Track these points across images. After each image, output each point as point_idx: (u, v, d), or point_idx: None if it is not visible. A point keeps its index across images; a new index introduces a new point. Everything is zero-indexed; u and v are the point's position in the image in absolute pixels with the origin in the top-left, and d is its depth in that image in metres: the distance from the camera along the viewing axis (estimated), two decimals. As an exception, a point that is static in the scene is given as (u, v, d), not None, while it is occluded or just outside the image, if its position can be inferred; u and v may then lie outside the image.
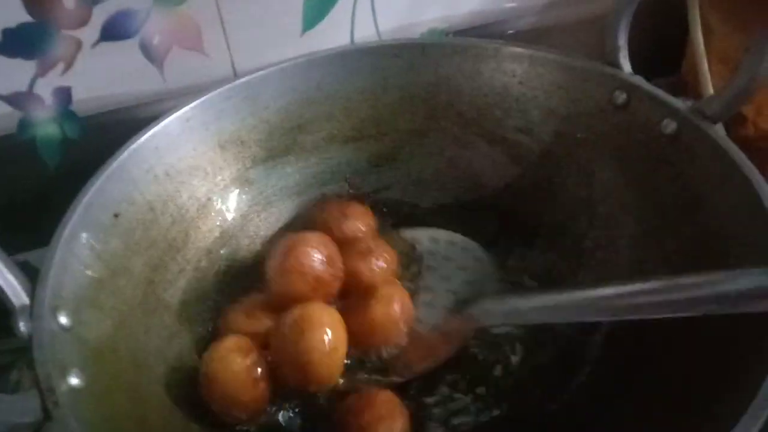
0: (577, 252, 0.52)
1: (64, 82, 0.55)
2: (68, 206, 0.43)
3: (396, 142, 0.61)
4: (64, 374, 0.34)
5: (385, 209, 0.61)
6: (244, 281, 0.55)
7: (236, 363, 0.42)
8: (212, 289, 0.53)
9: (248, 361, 0.43)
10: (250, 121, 0.57)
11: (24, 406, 0.31)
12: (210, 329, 0.51)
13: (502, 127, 0.56)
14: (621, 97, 0.49)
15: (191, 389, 0.45)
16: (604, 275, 0.49)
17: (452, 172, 0.59)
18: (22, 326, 0.36)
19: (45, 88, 0.54)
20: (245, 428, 0.44)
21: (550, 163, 0.54)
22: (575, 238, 0.52)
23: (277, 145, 0.59)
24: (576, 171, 0.52)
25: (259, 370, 0.43)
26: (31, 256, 0.48)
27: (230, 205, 0.57)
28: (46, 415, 0.32)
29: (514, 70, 0.55)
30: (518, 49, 0.54)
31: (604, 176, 0.51)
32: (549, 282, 0.52)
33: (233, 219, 0.57)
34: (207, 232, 0.55)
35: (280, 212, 0.59)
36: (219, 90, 0.54)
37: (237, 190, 0.57)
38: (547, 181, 0.54)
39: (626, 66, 0.50)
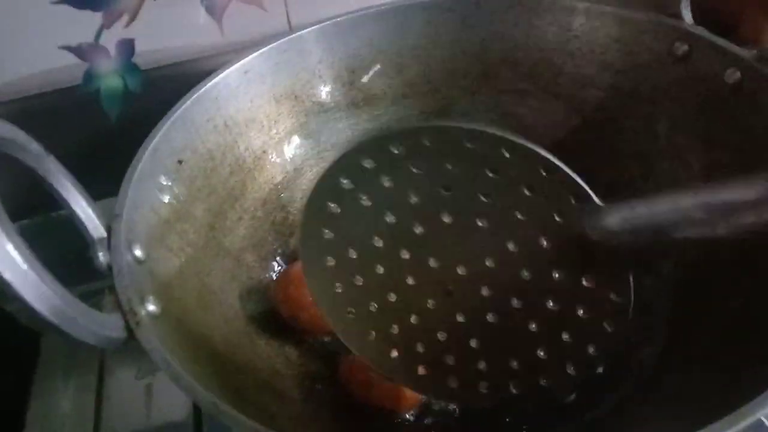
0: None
1: (127, 34, 0.56)
2: (126, 158, 0.45)
3: (448, 99, 0.61)
4: (142, 300, 0.36)
5: (434, 165, 0.62)
6: (297, 234, 0.57)
7: None
8: (268, 238, 0.55)
9: None
10: (303, 75, 0.58)
11: (111, 323, 0.33)
12: (267, 275, 0.53)
13: (557, 83, 0.56)
14: (682, 48, 0.48)
15: (251, 327, 0.48)
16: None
17: (504, 127, 0.59)
18: (101, 256, 0.38)
19: (110, 40, 0.56)
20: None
21: (607, 118, 0.53)
22: (633, 195, 0.52)
23: (329, 100, 0.60)
24: (633, 126, 0.52)
25: None
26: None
27: (284, 158, 0.58)
28: (129, 334, 0.33)
29: (570, 24, 0.54)
30: (574, 2, 0.54)
31: (662, 131, 0.51)
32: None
33: (287, 172, 0.58)
34: (263, 183, 0.56)
35: (332, 166, 0.60)
36: (275, 43, 0.55)
37: (290, 144, 0.58)
38: (603, 137, 0.54)
39: (687, 16, 0.49)
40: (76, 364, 0.55)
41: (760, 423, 0.43)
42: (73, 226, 0.40)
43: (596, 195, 0.53)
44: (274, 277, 0.53)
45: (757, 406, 0.28)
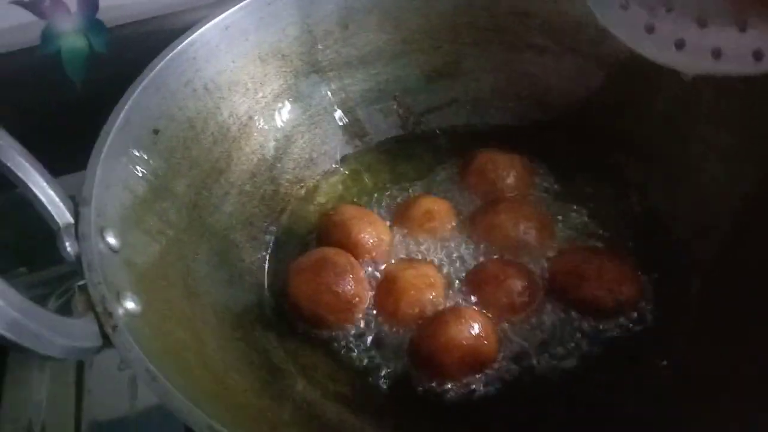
0: (666, 178, 0.47)
1: (90, -14, 0.49)
2: (97, 127, 0.39)
3: (451, 56, 0.55)
4: (118, 298, 0.31)
5: (438, 131, 0.57)
6: (291, 209, 0.52)
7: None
8: (258, 215, 0.50)
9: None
10: (291, 31, 0.52)
11: (82, 330, 0.28)
12: (259, 256, 0.48)
13: (577, 37, 0.50)
14: None
15: (245, 317, 0.43)
16: (699, 205, 0.45)
17: (515, 89, 0.54)
18: (68, 246, 0.33)
19: (69, -6, 0.49)
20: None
21: (638, 74, 0.47)
22: (665, 159, 0.47)
23: (320, 59, 0.54)
24: (671, 87, 0.46)
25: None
26: (60, 182, 0.44)
27: (273, 124, 0.52)
28: (105, 341, 0.28)
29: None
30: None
31: (707, 96, 0.45)
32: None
33: (276, 140, 0.52)
34: (250, 154, 0.51)
35: (325, 132, 0.55)
36: (259, -5, 0.49)
37: (279, 109, 0.53)
38: (631, 96, 0.48)
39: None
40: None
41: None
42: (38, 201, 0.35)
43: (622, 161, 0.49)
44: (267, 258, 0.48)
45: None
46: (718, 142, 0.44)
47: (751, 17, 0.34)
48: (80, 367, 0.48)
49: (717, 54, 0.36)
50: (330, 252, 0.43)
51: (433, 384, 0.39)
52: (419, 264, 0.45)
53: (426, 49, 0.55)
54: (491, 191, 0.49)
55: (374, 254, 0.46)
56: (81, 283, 0.31)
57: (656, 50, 0.38)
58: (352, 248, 0.45)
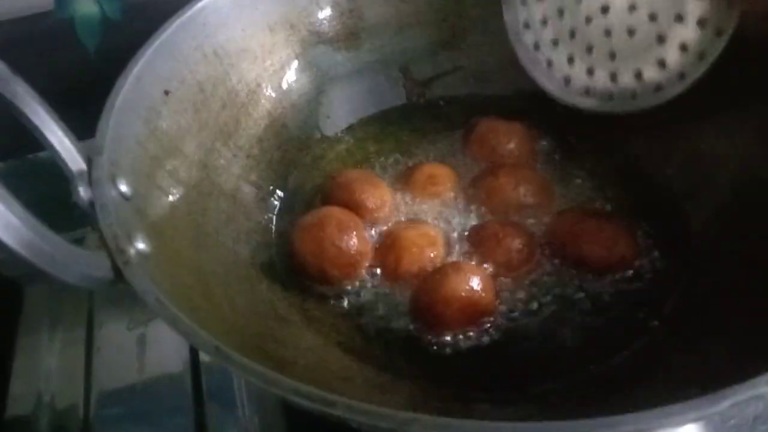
0: (666, 148, 0.48)
1: (103, -49, 0.51)
2: (107, 95, 0.40)
3: (456, 30, 0.56)
4: (130, 238, 0.32)
5: (441, 102, 0.58)
6: (297, 174, 0.53)
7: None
8: (266, 179, 0.51)
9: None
10: (300, 1, 0.53)
11: (96, 262, 0.29)
12: (265, 217, 0.49)
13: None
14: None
15: (252, 271, 0.44)
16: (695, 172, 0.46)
17: (517, 62, 0.55)
18: (82, 191, 0.34)
19: (83, -41, 0.50)
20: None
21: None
22: (664, 130, 0.48)
23: (327, 29, 0.55)
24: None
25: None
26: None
27: (280, 92, 0.53)
28: (117, 274, 0.30)
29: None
30: None
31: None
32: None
33: (283, 107, 0.54)
34: (258, 119, 0.52)
35: (331, 102, 0.56)
36: (269, -36, 0.50)
37: (287, 77, 0.54)
38: None
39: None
40: (62, 317, 0.51)
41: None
42: (52, 168, 0.36)
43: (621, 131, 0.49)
44: (274, 219, 0.49)
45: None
46: (716, 113, 0.45)
47: None
48: (89, 337, 0.50)
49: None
50: (335, 210, 0.44)
51: (433, 334, 0.40)
52: (421, 224, 0.46)
53: (432, 22, 0.56)
54: (492, 158, 0.50)
55: (377, 215, 0.47)
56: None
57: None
58: (355, 209, 0.46)
